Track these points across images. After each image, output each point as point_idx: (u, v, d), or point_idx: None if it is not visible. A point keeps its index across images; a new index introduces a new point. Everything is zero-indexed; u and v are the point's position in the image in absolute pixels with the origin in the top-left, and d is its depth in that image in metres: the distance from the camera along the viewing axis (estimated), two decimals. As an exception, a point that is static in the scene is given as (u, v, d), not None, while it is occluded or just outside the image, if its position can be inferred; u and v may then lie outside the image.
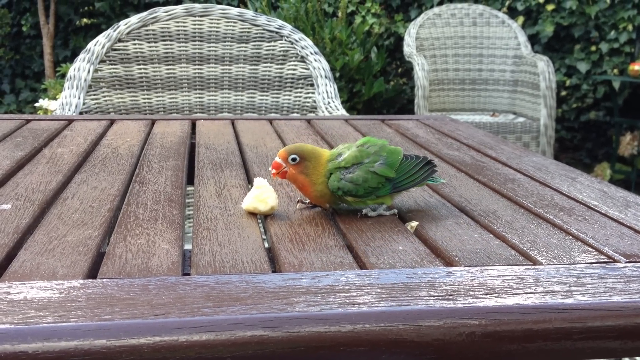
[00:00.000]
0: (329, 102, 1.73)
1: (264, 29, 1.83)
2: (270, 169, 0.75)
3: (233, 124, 1.33)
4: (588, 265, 0.59)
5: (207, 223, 0.69)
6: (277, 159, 0.74)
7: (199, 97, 1.83)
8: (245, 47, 1.83)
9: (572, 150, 4.21)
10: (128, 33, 1.76)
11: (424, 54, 3.51)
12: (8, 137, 1.12)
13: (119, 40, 1.76)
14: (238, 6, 4.04)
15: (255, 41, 1.83)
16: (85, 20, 4.60)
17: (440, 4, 3.91)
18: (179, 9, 1.81)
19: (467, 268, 0.58)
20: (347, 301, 0.50)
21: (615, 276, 0.56)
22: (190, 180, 0.90)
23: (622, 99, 3.89)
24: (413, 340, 0.47)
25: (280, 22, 1.85)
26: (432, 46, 3.59)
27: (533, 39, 3.96)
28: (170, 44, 1.80)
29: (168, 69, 1.80)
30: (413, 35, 3.55)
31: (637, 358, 1.27)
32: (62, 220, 0.69)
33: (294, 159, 0.73)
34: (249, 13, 1.84)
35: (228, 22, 1.83)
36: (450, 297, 0.51)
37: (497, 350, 0.49)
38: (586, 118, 4.09)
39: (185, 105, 1.82)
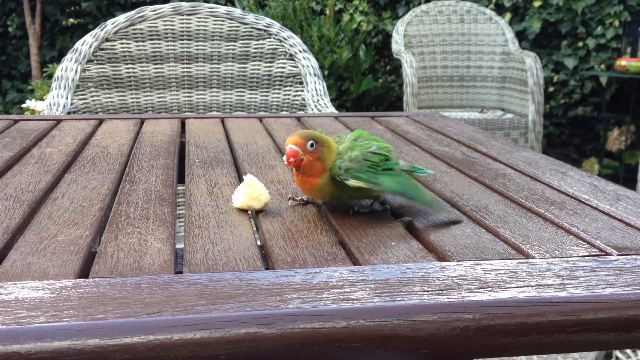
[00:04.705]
0: (318, 100, 1.73)
1: (252, 27, 1.83)
2: (284, 158, 0.71)
3: (223, 122, 1.33)
4: (580, 258, 0.59)
5: (199, 221, 0.69)
6: (294, 147, 0.70)
7: (188, 96, 1.82)
8: (234, 45, 1.83)
9: (560, 146, 4.23)
10: (115, 32, 1.76)
11: (412, 51, 3.52)
12: (-4, 138, 1.11)
13: (107, 40, 1.75)
14: (226, 4, 4.03)
15: (243, 39, 1.83)
16: (71, 20, 4.58)
17: (427, 1, 3.92)
18: (166, 7, 1.80)
19: (460, 263, 0.58)
20: (341, 297, 0.50)
21: (607, 269, 0.56)
22: (181, 179, 0.90)
23: (610, 95, 3.91)
24: (407, 336, 0.47)
25: (268, 20, 1.85)
26: (420, 43, 3.59)
27: (520, 36, 3.97)
28: (158, 43, 1.79)
29: (156, 68, 1.80)
30: (401, 33, 3.55)
31: (627, 350, 1.28)
32: (53, 220, 0.68)
33: (312, 145, 0.71)
34: (236, 11, 1.84)
35: (216, 20, 1.83)
36: (444, 291, 0.51)
37: (492, 344, 0.49)
38: (574, 114, 4.11)
39: (174, 105, 1.81)
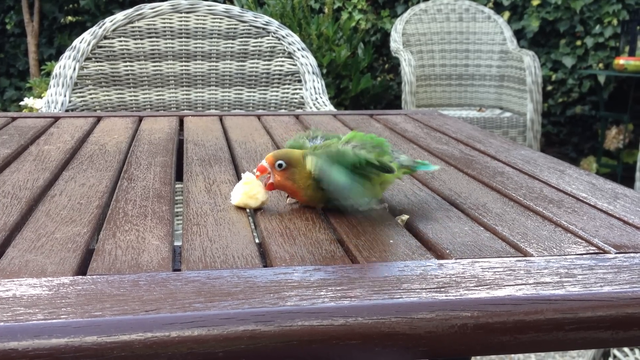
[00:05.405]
0: (316, 98, 1.73)
1: (250, 25, 1.82)
2: (255, 170, 0.73)
3: (221, 120, 1.32)
4: (578, 256, 0.59)
5: (197, 219, 0.69)
6: (264, 162, 0.71)
7: (186, 94, 1.82)
8: (232, 43, 1.82)
9: (559, 144, 4.23)
10: (114, 30, 1.75)
11: (411, 50, 3.52)
12: (-6, 135, 1.11)
13: (105, 38, 1.75)
14: (224, 2, 4.03)
15: (242, 37, 1.82)
16: (69, 17, 4.57)
17: (426, -1, 3.92)
18: (165, 5, 1.80)
19: (458, 260, 0.58)
20: (339, 295, 0.50)
21: (605, 267, 0.56)
22: (179, 177, 0.90)
23: (608, 93, 3.91)
24: (405, 333, 0.47)
25: (267, 18, 1.85)
26: (419, 42, 3.59)
27: (519, 34, 3.97)
28: (157, 41, 1.79)
29: (154, 66, 1.79)
30: (399, 31, 3.55)
31: (625, 349, 1.28)
32: (50, 217, 0.68)
33: (280, 165, 0.71)
34: (235, 9, 1.83)
35: (214, 18, 1.82)
36: (442, 289, 0.51)
37: (489, 342, 0.49)
38: (572, 112, 4.11)
39: (172, 102, 1.81)
